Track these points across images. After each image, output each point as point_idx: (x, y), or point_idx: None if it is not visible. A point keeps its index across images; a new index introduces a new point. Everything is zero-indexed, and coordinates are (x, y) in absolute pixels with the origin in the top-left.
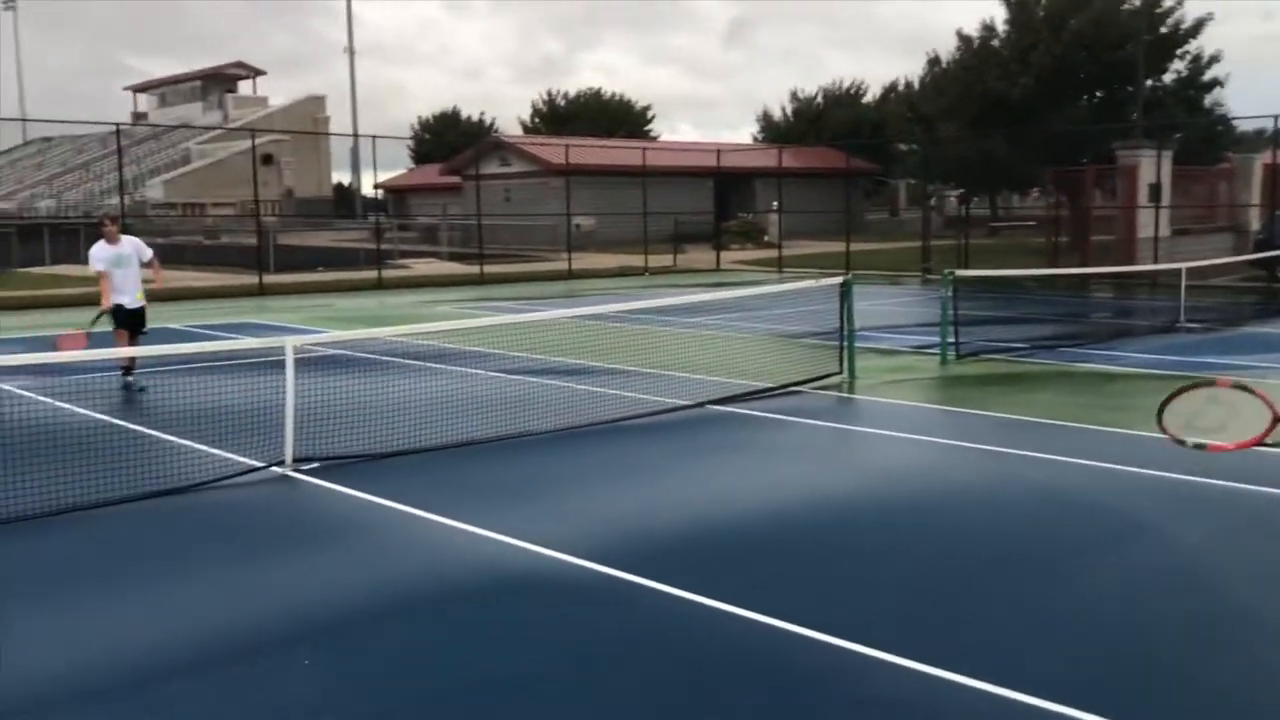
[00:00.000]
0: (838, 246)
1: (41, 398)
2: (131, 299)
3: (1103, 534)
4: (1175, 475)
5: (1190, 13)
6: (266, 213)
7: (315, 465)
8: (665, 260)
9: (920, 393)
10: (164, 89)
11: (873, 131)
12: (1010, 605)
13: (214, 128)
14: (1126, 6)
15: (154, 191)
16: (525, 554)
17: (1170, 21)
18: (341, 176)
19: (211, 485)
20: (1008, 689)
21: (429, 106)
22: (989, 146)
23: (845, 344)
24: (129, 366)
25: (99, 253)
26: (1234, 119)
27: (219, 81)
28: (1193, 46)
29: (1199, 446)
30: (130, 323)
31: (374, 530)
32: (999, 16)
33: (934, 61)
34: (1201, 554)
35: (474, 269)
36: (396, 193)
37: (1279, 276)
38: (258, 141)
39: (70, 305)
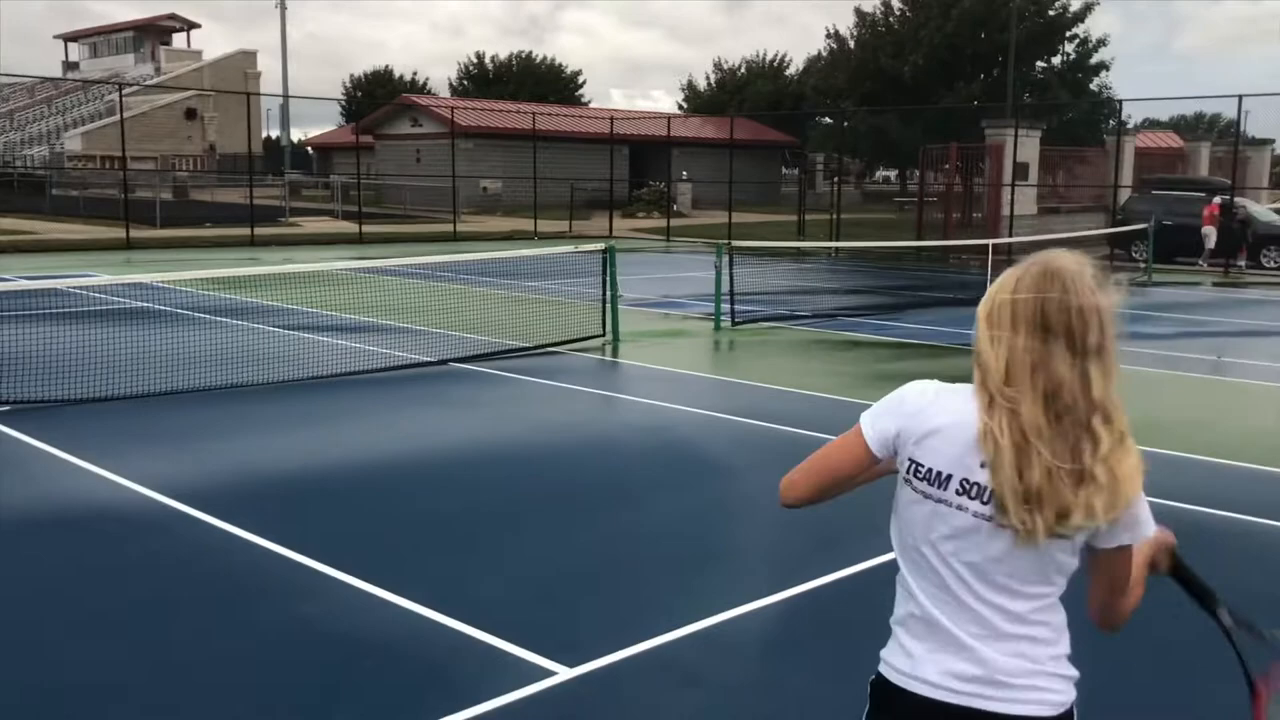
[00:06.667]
0: (746, 217)
1: None
2: None
3: (672, 475)
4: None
5: None
6: (183, 168)
7: (6, 408)
8: (561, 226)
9: (665, 355)
10: (96, 38)
11: (794, 104)
12: (490, 542)
13: (132, 84)
14: None
15: (73, 143)
16: (118, 489)
17: (1058, 5)
18: (274, 132)
19: None
20: (385, 590)
21: (402, 61)
22: (880, 123)
23: (608, 307)
24: None
25: None
26: (1094, 101)
27: (152, 33)
28: (1080, 30)
29: None
30: None
31: (8, 467)
32: None
33: (835, 37)
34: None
35: (356, 228)
36: (322, 150)
37: (1133, 255)
38: (182, 96)
39: None
